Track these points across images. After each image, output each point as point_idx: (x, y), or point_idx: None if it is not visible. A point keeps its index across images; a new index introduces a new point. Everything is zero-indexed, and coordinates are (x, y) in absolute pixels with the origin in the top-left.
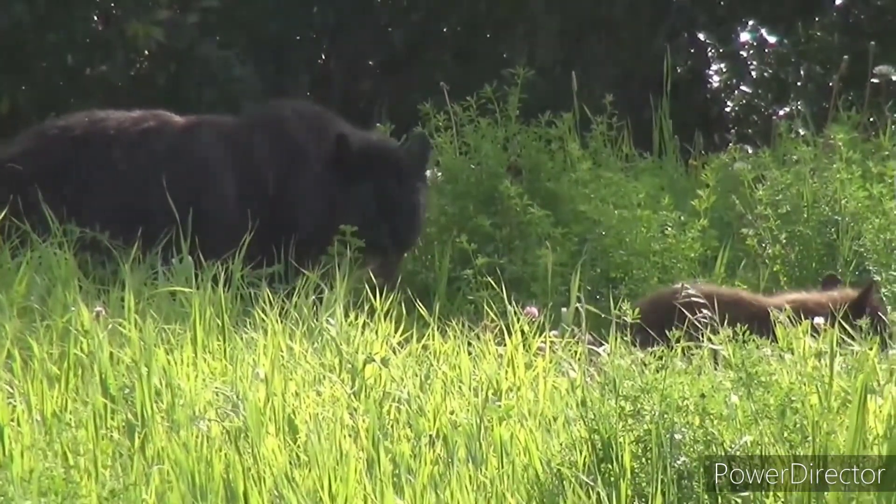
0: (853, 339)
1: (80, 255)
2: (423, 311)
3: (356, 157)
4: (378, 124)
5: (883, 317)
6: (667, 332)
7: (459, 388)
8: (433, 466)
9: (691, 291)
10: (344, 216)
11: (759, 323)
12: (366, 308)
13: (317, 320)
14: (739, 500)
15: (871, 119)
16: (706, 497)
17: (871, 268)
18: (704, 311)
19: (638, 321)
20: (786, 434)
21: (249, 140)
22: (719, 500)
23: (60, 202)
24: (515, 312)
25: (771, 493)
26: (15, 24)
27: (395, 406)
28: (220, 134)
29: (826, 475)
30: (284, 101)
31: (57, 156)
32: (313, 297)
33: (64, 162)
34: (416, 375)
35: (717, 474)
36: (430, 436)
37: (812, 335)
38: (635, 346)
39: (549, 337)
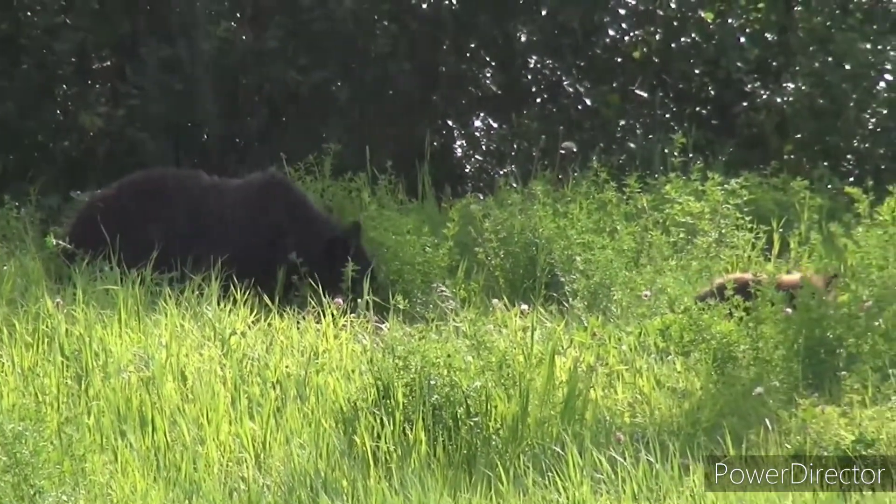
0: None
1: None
2: (269, 301)
3: None
4: None
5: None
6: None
7: (292, 351)
8: (275, 402)
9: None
10: None
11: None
12: (231, 299)
13: (199, 307)
14: (472, 424)
15: (560, 177)
16: (451, 421)
17: (558, 273)
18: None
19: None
20: (503, 380)
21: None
22: (459, 424)
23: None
24: (328, 302)
25: (492, 420)
26: (2, 114)
27: (250, 362)
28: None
29: (528, 407)
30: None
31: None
32: (197, 292)
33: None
34: (264, 343)
35: (458, 407)
36: (273, 382)
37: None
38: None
39: (350, 318)
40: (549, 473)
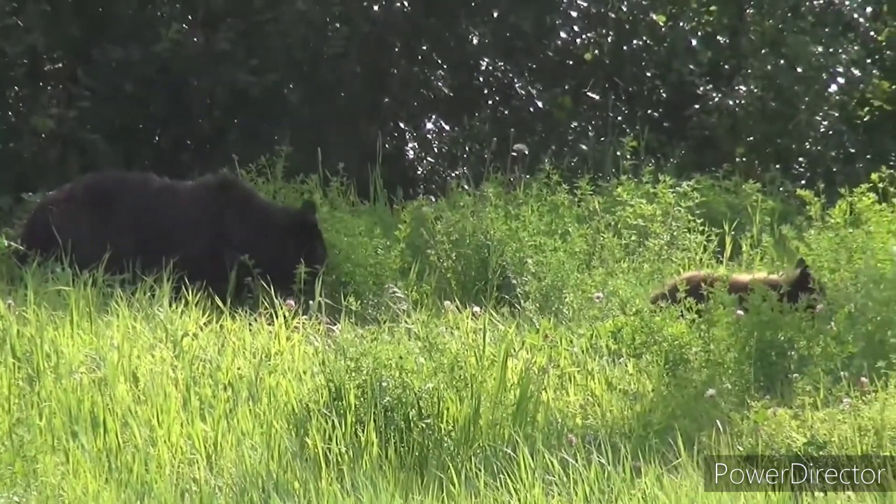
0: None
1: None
2: (220, 303)
3: None
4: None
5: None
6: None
7: (244, 352)
8: (226, 404)
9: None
10: None
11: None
12: (183, 300)
13: (151, 309)
14: (424, 426)
15: (511, 179)
16: (403, 423)
17: (510, 275)
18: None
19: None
20: (455, 382)
21: None
22: (411, 426)
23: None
24: (280, 304)
25: (444, 422)
26: None
27: (202, 364)
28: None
29: (480, 409)
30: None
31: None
32: (149, 293)
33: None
34: (215, 344)
35: (410, 409)
36: (224, 384)
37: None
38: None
39: (302, 320)
40: (501, 475)
